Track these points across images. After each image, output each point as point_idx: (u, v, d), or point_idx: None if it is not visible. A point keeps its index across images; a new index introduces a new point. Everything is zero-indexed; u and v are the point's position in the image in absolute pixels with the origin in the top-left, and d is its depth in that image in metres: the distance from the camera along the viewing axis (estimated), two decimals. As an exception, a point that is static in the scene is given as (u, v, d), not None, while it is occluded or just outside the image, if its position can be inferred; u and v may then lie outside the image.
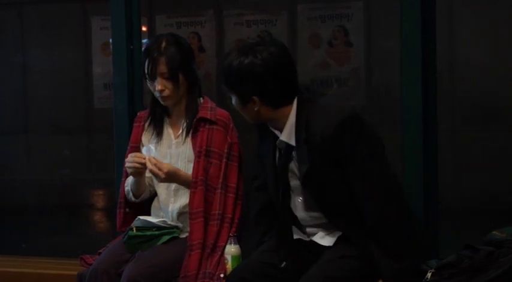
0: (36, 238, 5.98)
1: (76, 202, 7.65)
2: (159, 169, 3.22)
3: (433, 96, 3.41)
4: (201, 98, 3.42)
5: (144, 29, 6.29)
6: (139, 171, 3.29)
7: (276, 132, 2.92)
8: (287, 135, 2.87)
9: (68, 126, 7.77)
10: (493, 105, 6.42)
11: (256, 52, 2.80)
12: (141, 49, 3.90)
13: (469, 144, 6.56)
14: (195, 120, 3.35)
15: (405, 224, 2.79)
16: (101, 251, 3.44)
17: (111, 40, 4.01)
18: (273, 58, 2.81)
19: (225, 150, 3.35)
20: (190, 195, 3.29)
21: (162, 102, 3.36)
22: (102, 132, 7.10)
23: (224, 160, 3.34)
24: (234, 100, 2.91)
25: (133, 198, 3.44)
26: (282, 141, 2.90)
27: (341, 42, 6.29)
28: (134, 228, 3.31)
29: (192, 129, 3.35)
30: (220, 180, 3.31)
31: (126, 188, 3.46)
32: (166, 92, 3.32)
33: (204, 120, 3.35)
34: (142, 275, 3.09)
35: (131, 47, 3.87)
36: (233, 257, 3.20)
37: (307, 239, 2.99)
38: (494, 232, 2.85)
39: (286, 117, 2.87)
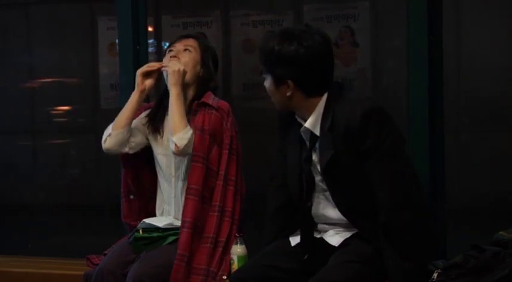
0: (42, 238, 5.99)
1: (82, 202, 7.66)
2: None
3: (440, 96, 3.41)
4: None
5: (150, 29, 6.31)
6: (150, 70, 3.38)
7: (301, 121, 2.93)
8: (312, 123, 2.89)
9: (74, 127, 7.78)
10: (498, 105, 6.42)
11: (301, 39, 2.82)
12: (147, 49, 3.91)
13: (474, 145, 6.55)
14: (195, 103, 3.35)
15: (420, 224, 2.79)
16: (106, 252, 3.45)
17: (117, 40, 4.01)
18: (317, 46, 2.84)
19: (226, 141, 3.34)
20: (191, 169, 3.28)
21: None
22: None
23: (226, 151, 3.33)
24: (268, 82, 2.92)
25: (110, 130, 3.42)
26: (306, 130, 2.91)
27: (347, 42, 6.29)
28: (140, 230, 3.31)
29: (192, 113, 3.34)
30: (222, 172, 3.31)
31: (104, 135, 3.47)
32: (177, 60, 3.36)
33: (205, 105, 3.35)
34: (147, 275, 3.09)
35: (138, 47, 3.88)
36: (239, 258, 3.21)
37: (318, 236, 2.99)
38: (501, 232, 2.85)
39: (314, 107, 2.88)
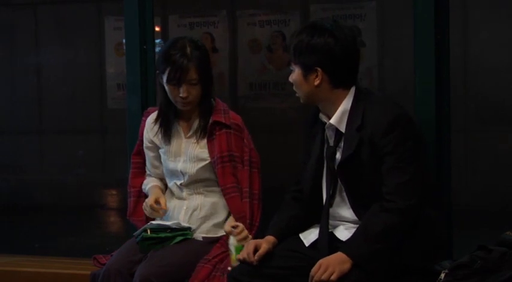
0: (50, 238, 6.01)
1: (90, 202, 7.68)
2: None
3: (447, 95, 3.40)
4: (213, 100, 3.42)
5: (157, 29, 6.32)
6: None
7: (325, 119, 2.95)
8: (337, 120, 2.92)
9: (81, 127, 7.80)
10: (503, 105, 6.41)
11: (332, 31, 2.88)
12: (154, 49, 3.91)
13: (480, 145, 6.55)
14: (209, 123, 3.34)
15: (397, 230, 2.81)
16: (113, 252, 3.45)
17: (124, 40, 4.02)
18: (347, 39, 2.89)
19: (246, 158, 3.36)
20: (229, 203, 3.32)
21: (181, 108, 3.35)
22: (115, 132, 7.13)
23: (247, 168, 3.35)
24: (295, 74, 2.95)
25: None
26: (330, 126, 2.93)
27: (354, 42, 6.29)
28: (148, 230, 3.31)
29: (208, 133, 3.35)
30: (247, 189, 3.33)
31: (144, 189, 3.49)
32: (190, 98, 3.30)
33: (219, 124, 3.35)
34: (154, 275, 3.10)
35: (144, 47, 3.88)
36: (236, 248, 3.20)
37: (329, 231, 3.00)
38: (507, 232, 2.84)
39: (340, 102, 2.91)
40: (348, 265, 2.75)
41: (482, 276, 2.67)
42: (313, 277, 2.75)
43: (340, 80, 2.91)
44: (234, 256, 3.17)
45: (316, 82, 2.90)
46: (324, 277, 2.73)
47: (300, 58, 2.91)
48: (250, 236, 3.20)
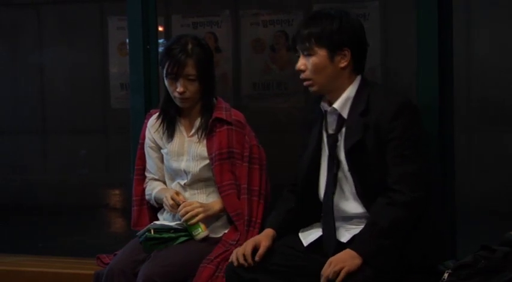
0: (53, 238, 6.02)
1: (93, 202, 7.68)
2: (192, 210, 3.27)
3: (450, 96, 3.40)
4: (215, 99, 3.42)
5: (160, 29, 6.33)
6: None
7: (326, 106, 2.94)
8: (341, 105, 2.91)
9: (84, 126, 7.81)
10: (503, 105, 6.42)
11: (350, 17, 2.91)
12: (157, 49, 3.91)
13: (483, 145, 6.55)
14: (210, 120, 3.34)
15: (405, 223, 2.81)
16: (116, 252, 3.45)
17: (127, 40, 4.02)
18: (360, 24, 2.94)
19: (246, 154, 3.35)
20: (224, 200, 3.31)
21: (179, 104, 3.35)
22: (118, 132, 7.14)
23: (246, 164, 3.35)
24: (316, 57, 2.89)
25: (156, 205, 3.48)
26: (334, 111, 2.92)
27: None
28: (152, 230, 3.31)
29: (208, 130, 3.35)
30: (245, 186, 3.32)
31: (147, 196, 3.49)
32: (187, 94, 3.31)
33: (220, 120, 3.35)
34: (158, 274, 3.10)
35: (148, 47, 3.88)
36: (188, 226, 3.25)
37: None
38: (511, 232, 2.84)
39: (345, 89, 2.91)
40: (358, 260, 2.74)
41: (486, 276, 2.67)
42: (327, 276, 2.74)
43: (360, 65, 2.91)
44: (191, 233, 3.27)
45: (343, 64, 2.87)
46: (336, 269, 2.72)
47: (328, 39, 2.85)
48: (199, 217, 3.24)
